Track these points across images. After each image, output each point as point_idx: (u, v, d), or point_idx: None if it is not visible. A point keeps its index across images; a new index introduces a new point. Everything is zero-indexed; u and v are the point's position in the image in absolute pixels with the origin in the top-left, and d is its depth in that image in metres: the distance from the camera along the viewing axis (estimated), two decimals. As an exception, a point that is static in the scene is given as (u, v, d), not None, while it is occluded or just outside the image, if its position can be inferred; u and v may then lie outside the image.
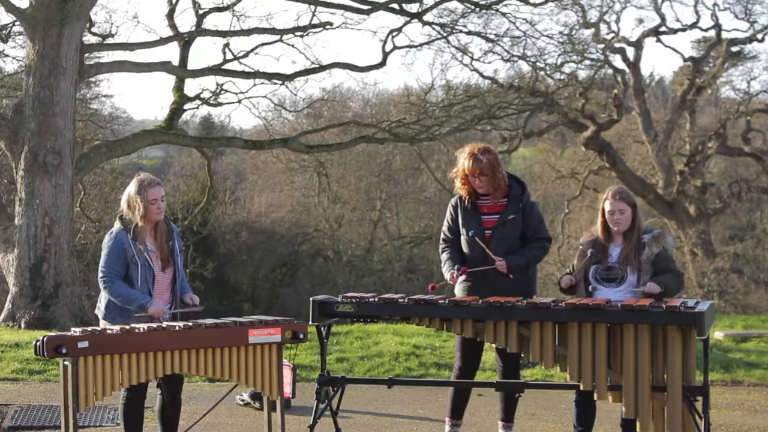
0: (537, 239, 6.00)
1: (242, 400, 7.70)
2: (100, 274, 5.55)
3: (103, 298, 5.62)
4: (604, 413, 6.93)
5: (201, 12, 16.73)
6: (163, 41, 16.30)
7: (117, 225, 5.62)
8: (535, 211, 6.05)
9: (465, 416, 6.24)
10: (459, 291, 6.03)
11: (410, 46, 18.59)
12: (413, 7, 17.51)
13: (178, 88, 16.66)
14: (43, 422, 7.06)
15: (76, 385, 4.93)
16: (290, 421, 6.43)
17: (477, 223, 5.98)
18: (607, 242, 5.84)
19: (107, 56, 17.11)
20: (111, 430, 6.92)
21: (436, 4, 17.87)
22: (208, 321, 5.37)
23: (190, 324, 5.29)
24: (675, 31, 23.50)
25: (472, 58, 20.25)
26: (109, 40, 16.22)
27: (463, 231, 6.03)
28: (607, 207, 5.81)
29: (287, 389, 7.30)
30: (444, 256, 6.09)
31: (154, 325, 5.23)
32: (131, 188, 5.62)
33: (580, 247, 5.95)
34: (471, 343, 5.89)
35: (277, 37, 17.15)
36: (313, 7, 16.66)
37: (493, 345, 5.73)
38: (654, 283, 5.62)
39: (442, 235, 6.19)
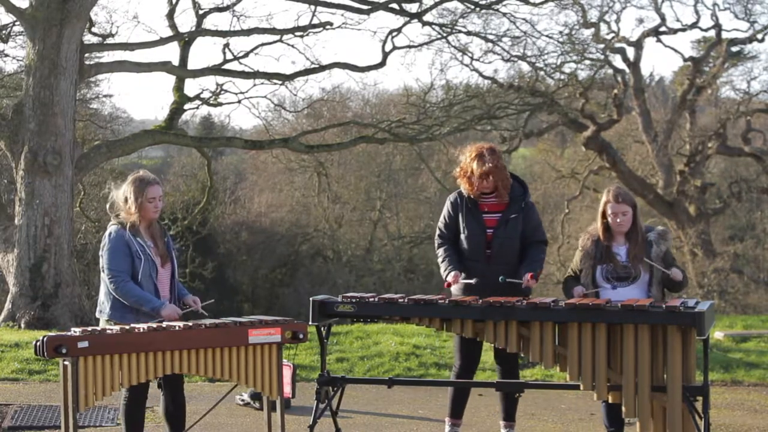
0: (535, 242, 6.03)
1: (242, 400, 7.70)
2: (108, 276, 5.47)
3: (108, 297, 5.56)
4: (604, 413, 6.91)
5: (201, 12, 16.73)
6: (163, 41, 16.30)
7: (113, 224, 5.58)
8: (534, 212, 6.11)
9: (465, 416, 6.24)
10: (456, 290, 6.04)
11: (410, 47, 18.57)
12: (413, 7, 17.51)
13: (178, 88, 16.65)
14: (43, 422, 7.06)
15: (76, 385, 4.93)
16: (290, 421, 6.43)
17: (479, 222, 5.99)
18: (608, 242, 5.85)
19: (107, 56, 17.11)
20: (111, 430, 6.92)
21: (436, 4, 17.86)
22: (208, 321, 5.37)
23: (190, 324, 5.28)
24: (675, 31, 23.50)
25: (472, 58, 20.24)
26: (109, 40, 16.22)
27: (463, 229, 6.03)
28: (609, 210, 5.82)
29: (287, 389, 7.30)
30: (441, 253, 6.08)
31: (154, 325, 5.22)
32: (130, 185, 5.59)
33: (581, 248, 5.94)
34: (471, 342, 5.90)
35: (277, 37, 17.15)
36: (313, 7, 16.65)
37: (492, 347, 5.73)
38: (679, 271, 5.69)
39: (437, 231, 6.18)
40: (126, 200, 5.58)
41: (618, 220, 5.79)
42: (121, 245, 5.49)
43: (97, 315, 5.66)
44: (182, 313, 5.55)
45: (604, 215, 5.87)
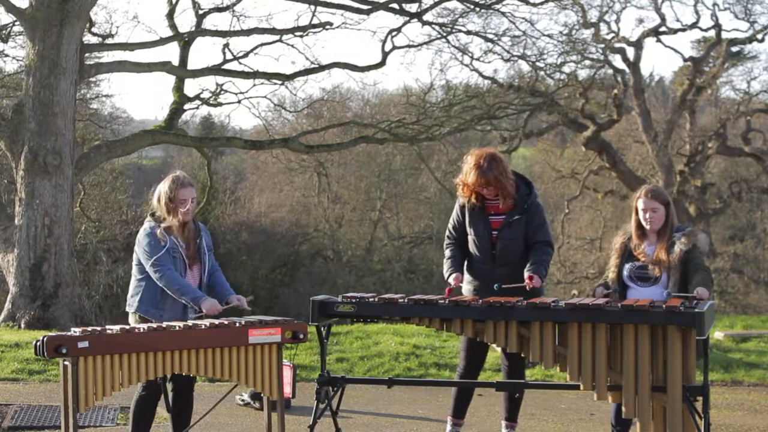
0: (538, 242, 5.95)
1: (242, 400, 7.70)
2: (151, 267, 5.50)
3: (139, 291, 5.61)
4: (605, 413, 6.93)
5: (201, 12, 16.75)
6: (163, 41, 16.31)
7: (149, 221, 5.66)
8: (539, 212, 6.02)
9: (465, 416, 6.24)
10: (466, 291, 6.05)
11: (410, 46, 18.60)
12: (413, 7, 17.52)
13: (178, 88, 16.67)
14: (43, 422, 7.05)
15: (76, 385, 4.92)
16: (290, 421, 6.43)
17: (484, 224, 5.99)
18: (641, 241, 5.81)
19: (107, 56, 17.14)
20: (111, 430, 6.92)
21: (435, 4, 17.87)
22: (208, 321, 5.38)
23: (190, 324, 5.29)
24: (675, 31, 23.49)
25: (471, 58, 20.25)
26: (109, 40, 16.22)
27: (470, 231, 6.04)
28: (640, 206, 5.76)
29: (287, 389, 7.30)
30: (447, 254, 6.10)
31: (154, 325, 5.23)
32: (164, 185, 5.68)
33: (616, 246, 5.89)
34: (477, 344, 5.89)
35: (277, 37, 17.16)
36: (313, 7, 16.66)
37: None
38: (705, 289, 5.54)
39: (447, 232, 6.21)
40: (159, 200, 5.68)
41: (647, 217, 5.73)
42: (159, 239, 5.57)
43: (127, 309, 5.71)
44: (222, 309, 5.58)
45: (636, 212, 5.82)
